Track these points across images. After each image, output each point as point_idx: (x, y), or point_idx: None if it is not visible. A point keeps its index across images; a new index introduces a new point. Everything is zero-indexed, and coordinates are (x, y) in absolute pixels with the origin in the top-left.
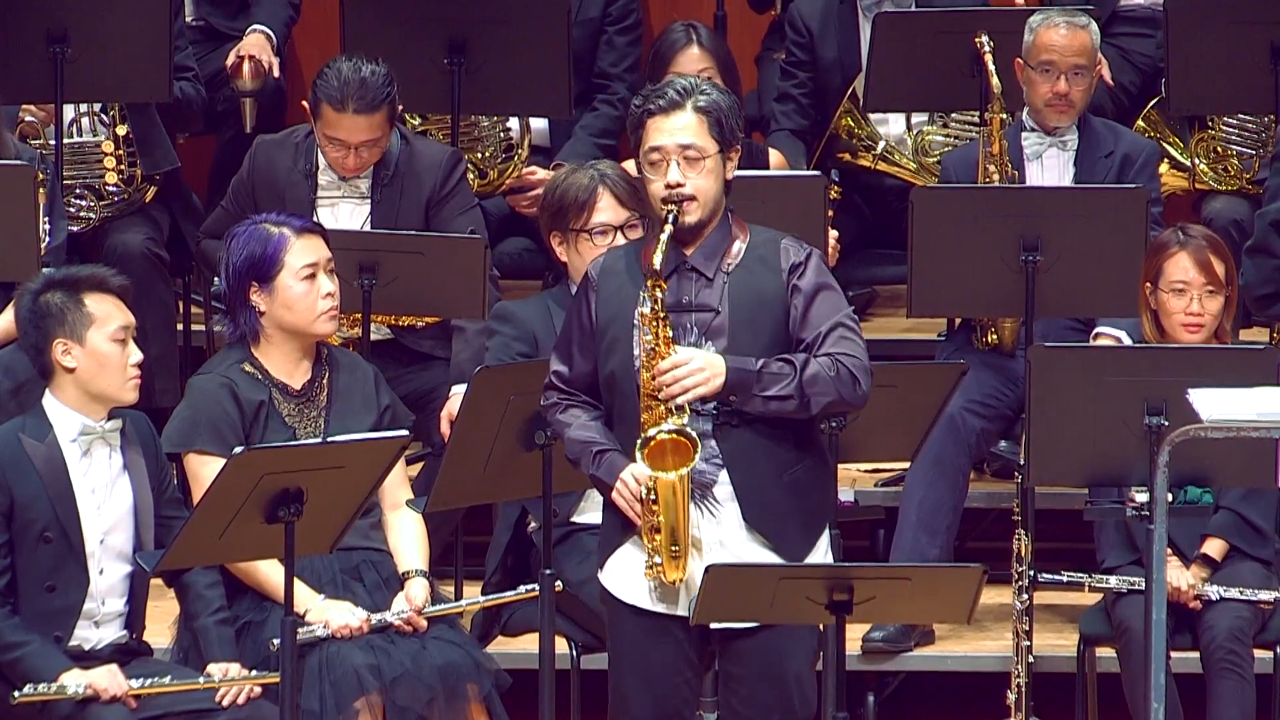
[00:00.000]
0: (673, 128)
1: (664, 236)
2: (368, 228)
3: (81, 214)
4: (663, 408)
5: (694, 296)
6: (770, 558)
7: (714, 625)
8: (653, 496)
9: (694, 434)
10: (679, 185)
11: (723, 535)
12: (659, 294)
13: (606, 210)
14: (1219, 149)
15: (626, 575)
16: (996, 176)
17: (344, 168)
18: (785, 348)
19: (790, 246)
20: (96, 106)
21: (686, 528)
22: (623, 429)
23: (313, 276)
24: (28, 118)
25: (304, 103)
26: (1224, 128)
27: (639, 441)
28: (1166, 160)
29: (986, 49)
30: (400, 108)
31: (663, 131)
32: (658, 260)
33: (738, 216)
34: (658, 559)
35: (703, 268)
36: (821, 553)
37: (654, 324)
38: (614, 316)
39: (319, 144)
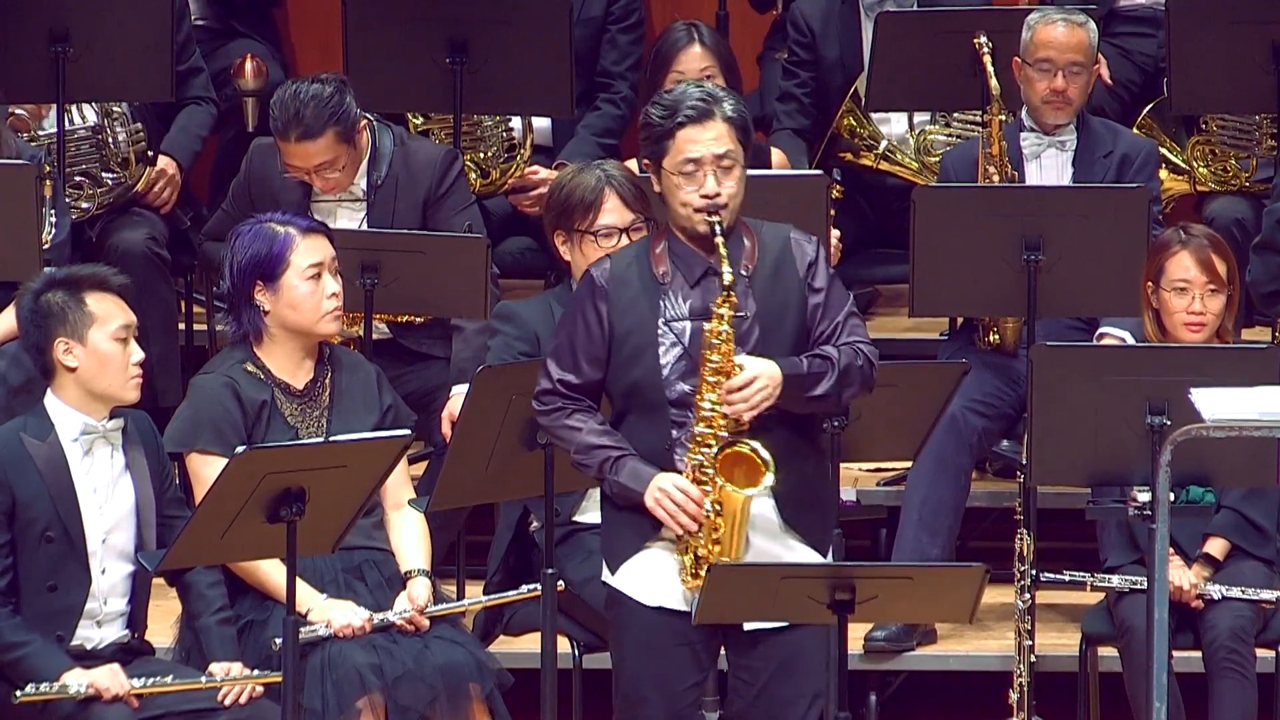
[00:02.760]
0: (707, 138)
1: (722, 248)
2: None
3: (80, 202)
4: (722, 420)
5: None
6: (806, 552)
7: (746, 627)
8: (717, 509)
9: (770, 456)
10: (717, 195)
11: (757, 539)
12: (728, 309)
13: (612, 212)
14: (1216, 150)
15: (649, 578)
16: (996, 177)
17: (321, 189)
18: (806, 340)
19: (800, 240)
20: None
21: (744, 540)
22: (642, 437)
23: (318, 276)
24: (18, 111)
25: None
26: (1218, 129)
27: (715, 449)
28: (1165, 166)
29: (985, 50)
30: (363, 123)
31: (698, 142)
32: (727, 275)
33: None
34: (707, 569)
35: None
36: (833, 546)
37: (719, 340)
38: (634, 326)
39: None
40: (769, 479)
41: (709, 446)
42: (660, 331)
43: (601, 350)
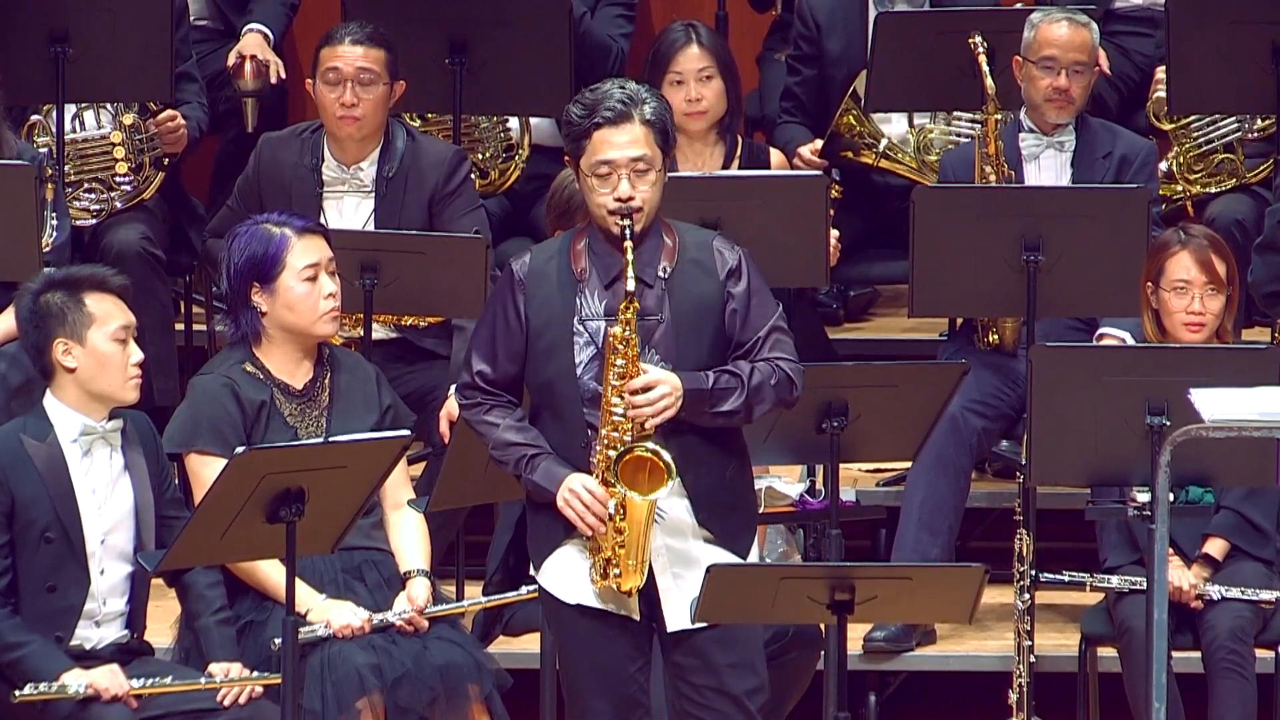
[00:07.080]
0: (622, 140)
1: (630, 254)
2: (372, 222)
3: (93, 207)
4: (629, 425)
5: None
6: (721, 554)
7: (670, 628)
8: (621, 513)
9: (671, 460)
10: (630, 199)
11: (669, 540)
12: (631, 315)
13: None
14: (1199, 154)
15: (568, 575)
16: (993, 177)
17: (341, 122)
18: (725, 348)
19: (723, 248)
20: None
21: (649, 543)
22: (557, 434)
23: (314, 278)
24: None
25: (308, 81)
26: (1194, 133)
27: (615, 454)
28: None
29: (980, 50)
30: (401, 82)
31: (612, 145)
32: (630, 281)
33: (662, 217)
34: (616, 570)
35: (641, 274)
36: (756, 549)
37: (624, 345)
38: (549, 322)
39: (319, 98)
40: (671, 484)
41: (614, 450)
42: (575, 329)
43: (519, 344)
